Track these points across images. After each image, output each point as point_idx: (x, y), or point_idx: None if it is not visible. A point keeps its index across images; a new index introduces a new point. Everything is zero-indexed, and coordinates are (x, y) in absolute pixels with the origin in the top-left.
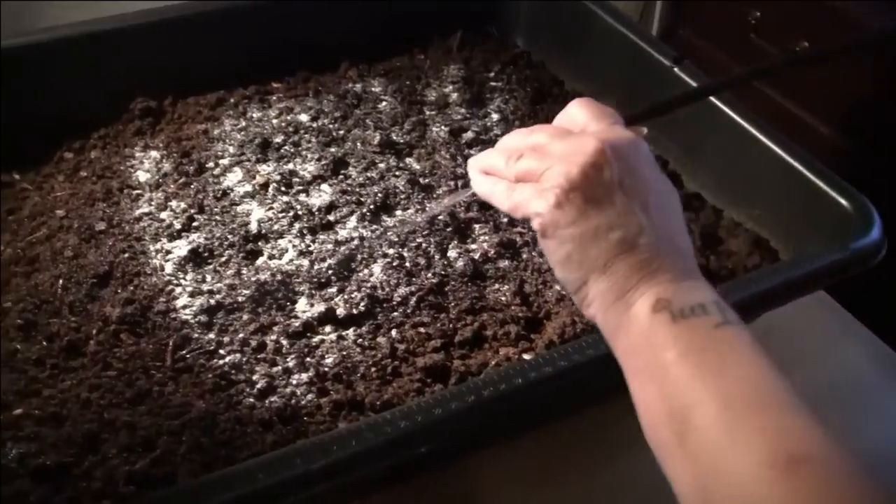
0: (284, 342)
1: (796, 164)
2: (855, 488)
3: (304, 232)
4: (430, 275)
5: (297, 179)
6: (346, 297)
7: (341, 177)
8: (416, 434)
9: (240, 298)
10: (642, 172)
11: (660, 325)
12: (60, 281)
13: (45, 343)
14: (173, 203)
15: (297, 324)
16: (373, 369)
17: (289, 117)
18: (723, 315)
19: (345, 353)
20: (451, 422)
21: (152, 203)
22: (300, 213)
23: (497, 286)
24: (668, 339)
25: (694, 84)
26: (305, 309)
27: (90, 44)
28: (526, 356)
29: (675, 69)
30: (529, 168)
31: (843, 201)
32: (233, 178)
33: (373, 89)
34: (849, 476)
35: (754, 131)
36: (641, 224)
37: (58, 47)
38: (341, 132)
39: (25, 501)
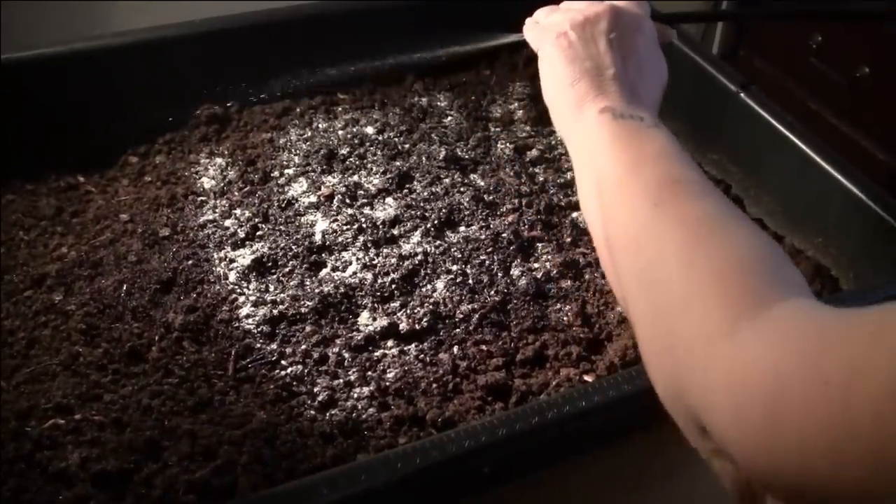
0: (346, 355)
1: (860, 194)
2: (715, 195)
3: (369, 245)
4: (492, 292)
5: (361, 192)
6: (408, 311)
7: (406, 191)
8: (480, 453)
9: (303, 310)
10: (634, 38)
11: (602, 122)
12: (124, 286)
13: (107, 348)
14: (238, 211)
15: (359, 337)
16: (434, 385)
17: (354, 129)
18: (655, 123)
19: (406, 368)
20: (515, 442)
21: (216, 210)
22: (364, 226)
23: (559, 306)
24: (605, 130)
25: (760, 111)
26: (368, 322)
27: (158, 49)
28: (587, 377)
29: (742, 94)
30: (555, 19)
31: None
32: (298, 188)
33: (438, 104)
34: (713, 190)
35: (818, 158)
36: (614, 64)
37: (126, 51)
38: (406, 146)
39: None
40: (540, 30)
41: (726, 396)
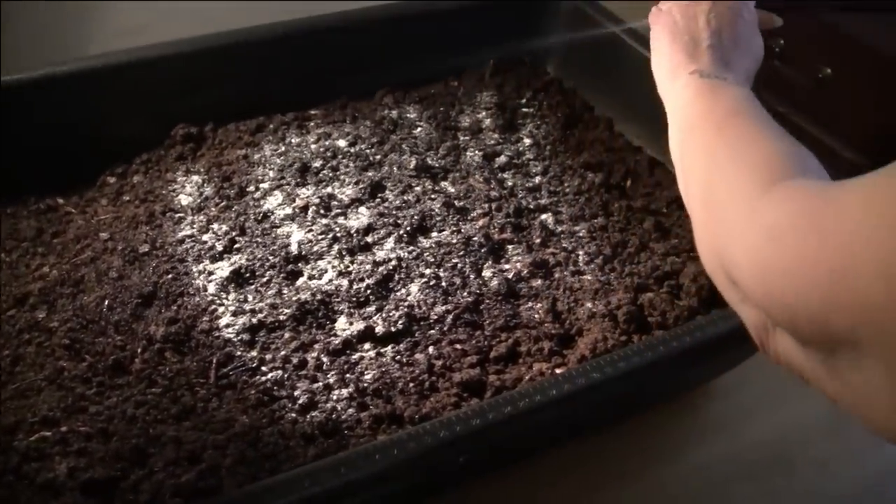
0: (325, 359)
1: None
2: (773, 124)
3: (343, 253)
4: (465, 294)
5: (335, 203)
6: (384, 315)
7: (378, 200)
8: (456, 443)
9: (281, 317)
10: (732, 18)
11: (690, 81)
12: (106, 301)
13: (91, 361)
14: (215, 226)
15: (336, 341)
16: (411, 384)
17: (327, 142)
18: (738, 84)
19: (383, 369)
20: (489, 432)
21: (194, 226)
22: (339, 235)
23: (530, 304)
24: (691, 87)
25: None
26: (345, 327)
27: (133, 71)
28: (559, 371)
29: None
30: (669, 3)
31: None
32: (273, 201)
33: (408, 115)
34: (771, 120)
35: None
36: (709, 38)
37: (101, 74)
38: (378, 157)
39: None
40: (657, 12)
41: (742, 245)
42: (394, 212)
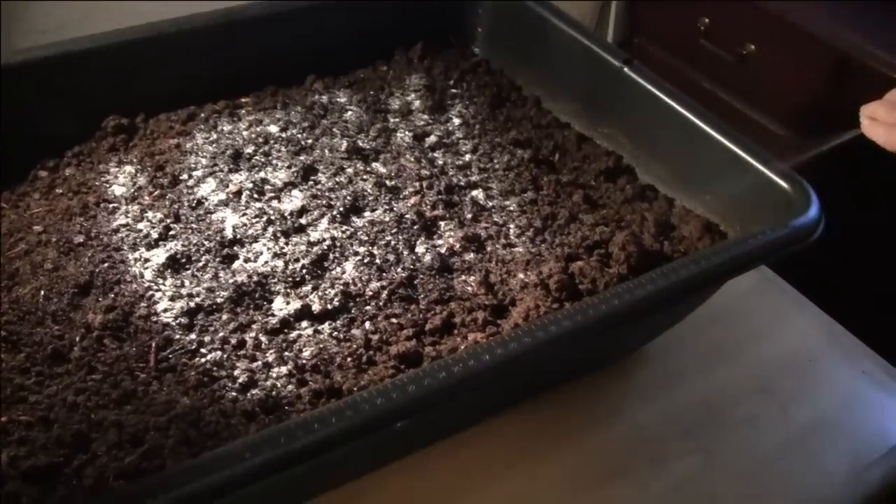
0: (263, 338)
1: (741, 153)
2: None
3: (278, 235)
4: (399, 269)
5: (268, 187)
6: (320, 293)
7: (311, 182)
8: (394, 411)
9: (218, 300)
10: None
11: None
12: (42, 292)
13: (29, 352)
14: (149, 214)
15: (274, 321)
16: (349, 359)
17: (258, 129)
18: None
19: (321, 345)
20: (426, 398)
21: (129, 215)
22: (273, 218)
23: (464, 277)
24: None
25: (642, 81)
26: (282, 307)
27: (62, 65)
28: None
29: (625, 69)
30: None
31: (784, 185)
32: (206, 188)
33: (338, 100)
34: None
35: (698, 121)
36: None
37: (29, 69)
38: (309, 141)
39: (18, 502)
40: (886, 129)
41: None
42: (326, 193)
